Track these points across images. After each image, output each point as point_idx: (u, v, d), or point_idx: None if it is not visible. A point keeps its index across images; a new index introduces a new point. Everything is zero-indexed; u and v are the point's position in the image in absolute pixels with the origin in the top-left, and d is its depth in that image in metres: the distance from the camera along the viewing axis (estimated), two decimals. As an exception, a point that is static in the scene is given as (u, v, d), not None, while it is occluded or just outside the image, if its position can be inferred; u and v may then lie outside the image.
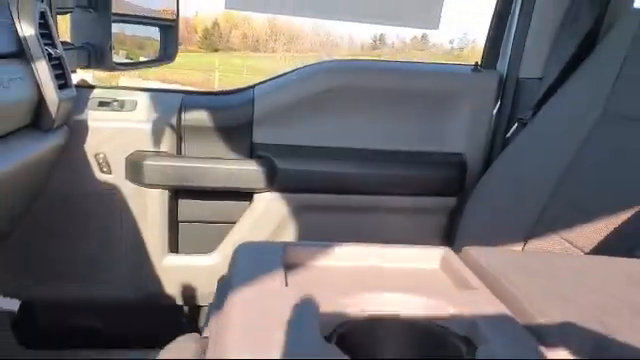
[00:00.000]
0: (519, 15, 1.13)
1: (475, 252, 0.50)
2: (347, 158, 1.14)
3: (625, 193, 0.77)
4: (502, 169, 1.05)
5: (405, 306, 0.40)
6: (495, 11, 1.17)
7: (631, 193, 0.77)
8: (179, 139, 1.12)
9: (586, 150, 0.89)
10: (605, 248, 0.75)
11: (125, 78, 7.05)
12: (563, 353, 0.35)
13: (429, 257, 0.51)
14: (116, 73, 1.71)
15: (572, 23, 1.07)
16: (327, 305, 0.39)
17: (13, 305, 0.75)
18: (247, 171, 1.09)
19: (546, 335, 0.36)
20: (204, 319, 1.19)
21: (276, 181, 1.10)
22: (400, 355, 0.38)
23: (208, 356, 0.39)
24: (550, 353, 0.35)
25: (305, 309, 0.38)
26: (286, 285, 0.42)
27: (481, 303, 0.40)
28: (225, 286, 0.44)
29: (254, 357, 0.32)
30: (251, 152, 1.13)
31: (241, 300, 0.39)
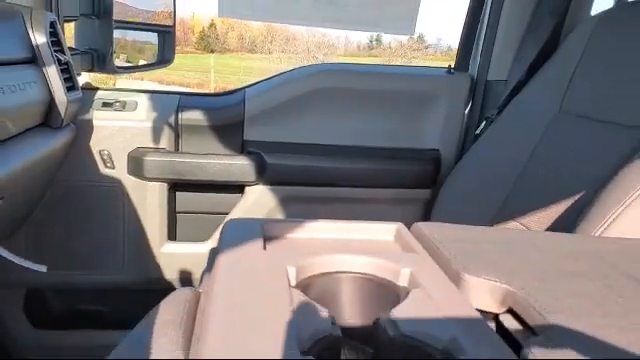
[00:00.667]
0: (487, 23, 1.24)
1: (423, 226, 0.60)
2: (331, 154, 1.24)
3: (572, 183, 0.87)
4: (470, 163, 1.15)
5: (360, 264, 0.50)
6: (466, 19, 1.28)
7: (578, 183, 0.87)
8: (176, 137, 1.21)
9: (542, 145, 0.99)
10: (551, 229, 0.85)
11: (122, 79, 7.12)
12: (478, 297, 0.45)
13: (386, 231, 0.61)
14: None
15: (534, 30, 1.18)
16: (296, 263, 0.49)
17: (41, 268, 0.84)
18: (239, 166, 1.19)
19: (463, 281, 0.46)
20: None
21: (265, 175, 1.20)
22: (350, 301, 0.48)
23: (200, 304, 0.48)
24: (463, 290, 0.45)
25: (277, 265, 0.48)
26: (264, 249, 0.52)
27: (418, 262, 0.50)
28: (214, 253, 0.54)
29: (235, 301, 0.42)
30: (242, 148, 1.23)
31: (226, 260, 0.49)
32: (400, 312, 0.41)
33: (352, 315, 0.48)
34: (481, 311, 0.45)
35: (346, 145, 1.25)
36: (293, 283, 0.47)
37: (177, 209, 1.25)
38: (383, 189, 1.25)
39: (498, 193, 1.03)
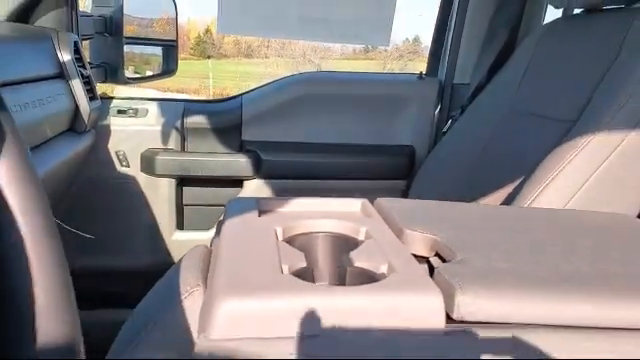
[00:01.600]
0: (453, 32, 1.41)
1: (382, 201, 0.77)
2: (318, 151, 1.41)
3: (514, 169, 1.05)
4: (438, 157, 1.33)
5: (331, 226, 0.67)
6: (435, 30, 1.46)
7: (519, 169, 1.04)
8: (182, 138, 1.39)
9: (493, 139, 1.17)
10: (498, 208, 1.02)
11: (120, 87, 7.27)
12: (414, 246, 0.62)
13: (354, 204, 0.78)
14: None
15: (493, 38, 1.36)
16: (282, 225, 0.66)
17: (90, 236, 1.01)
18: (238, 162, 1.37)
19: (403, 235, 0.63)
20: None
21: (261, 170, 1.38)
22: (323, 251, 0.65)
23: (212, 255, 0.66)
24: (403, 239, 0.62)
25: (269, 227, 0.65)
26: (259, 217, 0.69)
27: (373, 223, 0.68)
28: (220, 223, 0.71)
29: (237, 251, 0.58)
30: (241, 147, 1.41)
31: (230, 224, 0.66)
32: (355, 254, 0.58)
33: (324, 260, 0.66)
34: (417, 256, 0.62)
35: (331, 143, 1.43)
36: (280, 239, 0.64)
37: (184, 202, 1.43)
38: (364, 180, 1.43)
39: (459, 180, 1.20)
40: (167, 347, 0.52)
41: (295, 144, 1.42)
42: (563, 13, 1.32)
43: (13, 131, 0.33)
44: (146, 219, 1.37)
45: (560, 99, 1.03)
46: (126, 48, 1.43)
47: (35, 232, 0.32)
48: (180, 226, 1.42)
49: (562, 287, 0.50)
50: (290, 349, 0.44)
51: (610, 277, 0.52)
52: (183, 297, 0.55)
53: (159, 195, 1.36)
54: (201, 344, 0.46)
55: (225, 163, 1.36)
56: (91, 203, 1.34)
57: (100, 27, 1.40)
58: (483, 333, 0.47)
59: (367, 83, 1.47)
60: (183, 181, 1.41)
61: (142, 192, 1.36)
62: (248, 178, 1.39)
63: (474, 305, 0.48)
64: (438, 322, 0.47)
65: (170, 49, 1.63)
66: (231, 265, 0.53)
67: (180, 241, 1.40)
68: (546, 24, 1.29)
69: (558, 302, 0.48)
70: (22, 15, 1.15)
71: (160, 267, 1.34)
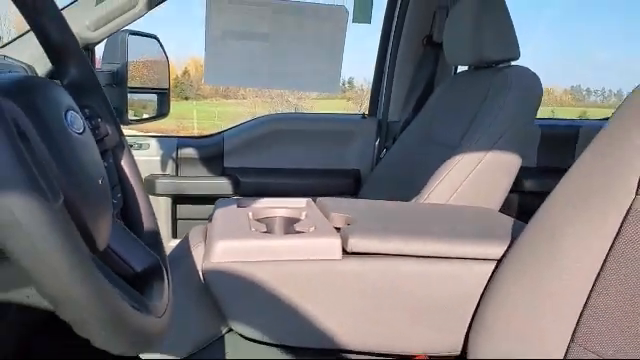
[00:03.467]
0: (386, 83, 1.84)
1: (323, 200, 1.15)
2: (284, 174, 1.80)
3: (421, 182, 1.44)
4: (376, 177, 1.73)
5: (284, 212, 1.05)
6: (373, 80, 1.89)
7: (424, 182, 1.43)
8: (177, 166, 1.76)
9: (414, 163, 1.57)
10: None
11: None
12: (335, 222, 1.00)
13: (302, 202, 1.16)
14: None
15: (415, 86, 1.78)
16: (252, 212, 1.03)
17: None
18: (221, 184, 1.74)
19: (329, 216, 1.01)
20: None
21: (239, 190, 1.75)
22: (278, 227, 1.03)
23: (208, 230, 1.02)
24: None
25: (244, 213, 1.02)
26: (237, 208, 1.07)
27: (310, 210, 1.05)
28: (211, 215, 1.08)
29: (223, 225, 0.95)
30: (223, 172, 1.79)
31: (218, 213, 1.03)
32: (296, 225, 0.96)
33: (278, 229, 1.03)
34: (338, 229, 0.99)
35: (295, 168, 1.82)
36: (249, 217, 1.01)
37: (178, 216, 1.79)
38: (322, 196, 1.81)
39: (391, 192, 1.60)
40: (187, 274, 0.88)
41: (266, 169, 1.80)
42: (469, 68, 1.76)
43: (122, 133, 0.70)
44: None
45: (453, 130, 1.44)
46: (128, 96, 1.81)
47: (140, 190, 0.69)
48: (175, 235, 1.78)
49: (417, 235, 0.88)
50: (255, 267, 0.82)
51: (450, 233, 0.91)
52: (193, 247, 0.92)
53: (158, 210, 1.72)
54: (205, 265, 0.83)
55: (211, 185, 1.73)
56: None
57: (109, 80, 1.78)
58: (364, 259, 0.85)
59: (323, 121, 1.88)
60: (177, 199, 1.77)
61: None
62: (229, 196, 1.76)
63: (359, 243, 0.85)
64: (337, 253, 0.85)
65: (163, 96, 2.02)
66: (221, 228, 0.91)
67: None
68: (450, 77, 1.72)
69: (413, 243, 0.86)
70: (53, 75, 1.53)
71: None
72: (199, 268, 0.87)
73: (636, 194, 0.68)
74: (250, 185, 1.76)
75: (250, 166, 1.80)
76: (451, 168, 1.26)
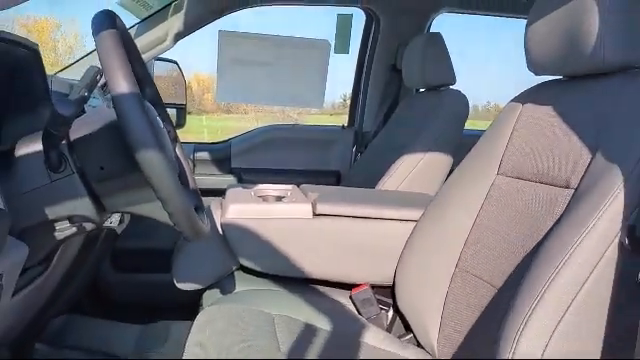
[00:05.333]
0: (361, 98, 2.30)
1: (304, 186, 1.59)
2: (279, 174, 2.25)
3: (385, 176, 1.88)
4: (351, 176, 2.17)
5: (274, 191, 1.50)
6: (352, 95, 2.35)
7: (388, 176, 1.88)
8: (193, 165, 2.21)
9: (377, 164, 2.01)
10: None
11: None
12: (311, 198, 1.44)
13: (289, 187, 1.60)
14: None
15: (383, 102, 2.24)
16: (255, 191, 1.48)
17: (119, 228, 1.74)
18: (228, 180, 2.19)
19: (307, 195, 1.46)
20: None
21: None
22: (270, 199, 1.47)
23: (223, 203, 1.46)
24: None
25: (249, 191, 1.47)
26: (244, 189, 1.51)
27: (294, 192, 1.50)
28: (224, 194, 1.53)
29: (233, 197, 1.40)
30: (230, 171, 2.24)
31: (230, 192, 1.48)
32: (284, 199, 1.41)
33: (272, 201, 1.47)
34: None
35: (286, 168, 2.27)
36: (252, 194, 1.46)
37: None
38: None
39: (362, 183, 2.04)
40: (211, 227, 1.33)
41: (264, 169, 2.26)
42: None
43: (176, 132, 1.15)
44: None
45: (406, 137, 1.88)
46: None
47: (187, 165, 1.14)
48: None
49: (364, 203, 1.33)
50: (255, 222, 1.27)
51: (387, 204, 1.36)
52: (213, 211, 1.37)
53: None
54: (223, 220, 1.28)
55: (220, 181, 2.18)
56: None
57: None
58: (327, 218, 1.30)
59: (311, 131, 2.35)
60: (194, 192, 2.22)
61: None
62: None
63: (323, 208, 1.30)
64: (309, 214, 1.30)
65: (180, 110, 2.48)
66: (232, 198, 1.36)
67: None
68: (409, 96, 2.18)
69: (360, 208, 1.31)
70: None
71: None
72: (218, 223, 1.32)
73: (497, 174, 1.12)
74: (251, 182, 2.21)
75: (252, 167, 2.25)
76: (399, 165, 1.71)
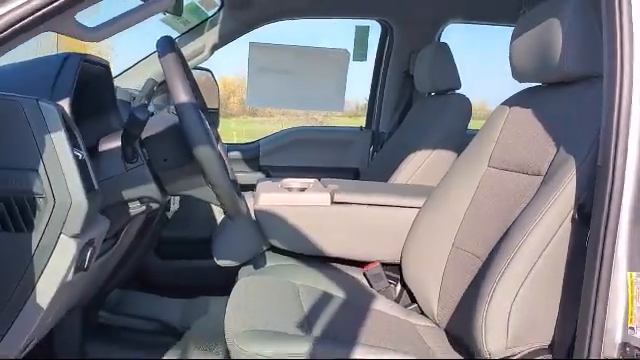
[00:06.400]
0: (378, 103, 2.51)
1: (324, 179, 1.81)
2: (303, 171, 2.46)
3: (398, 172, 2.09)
4: (368, 173, 2.38)
5: (301, 183, 1.72)
6: (369, 100, 2.56)
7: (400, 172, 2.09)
8: None
9: (391, 161, 2.22)
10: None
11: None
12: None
13: (310, 181, 1.82)
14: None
15: (398, 106, 2.45)
16: (282, 183, 1.70)
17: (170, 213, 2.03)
18: (257, 176, 2.42)
19: (327, 186, 1.68)
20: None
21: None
22: (296, 190, 1.70)
23: (255, 194, 1.69)
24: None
25: (275, 184, 1.70)
26: (272, 182, 1.74)
27: (316, 183, 1.72)
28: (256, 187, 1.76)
29: (264, 189, 1.62)
30: (259, 168, 2.48)
31: (260, 185, 1.71)
32: (306, 190, 1.64)
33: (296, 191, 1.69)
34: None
35: (309, 166, 2.50)
36: (279, 186, 1.69)
37: None
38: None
39: (377, 178, 2.25)
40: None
41: (290, 167, 2.49)
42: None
43: (217, 131, 1.38)
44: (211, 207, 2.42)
45: (417, 137, 2.08)
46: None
47: (226, 159, 1.38)
48: (224, 213, 2.47)
49: (376, 193, 1.55)
50: (282, 209, 1.50)
51: (397, 194, 1.57)
52: (247, 202, 1.60)
53: None
54: (255, 207, 1.52)
55: (250, 177, 2.42)
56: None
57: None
58: (343, 206, 1.52)
59: (332, 132, 2.58)
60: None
61: None
62: None
63: (340, 196, 1.53)
64: (328, 202, 1.53)
65: (213, 114, 2.73)
66: (263, 189, 1.59)
67: None
68: (421, 100, 2.38)
69: (373, 197, 1.53)
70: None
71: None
72: (252, 211, 1.55)
73: (487, 166, 1.32)
74: (278, 178, 2.44)
75: (278, 165, 2.49)
76: (410, 161, 1.92)
